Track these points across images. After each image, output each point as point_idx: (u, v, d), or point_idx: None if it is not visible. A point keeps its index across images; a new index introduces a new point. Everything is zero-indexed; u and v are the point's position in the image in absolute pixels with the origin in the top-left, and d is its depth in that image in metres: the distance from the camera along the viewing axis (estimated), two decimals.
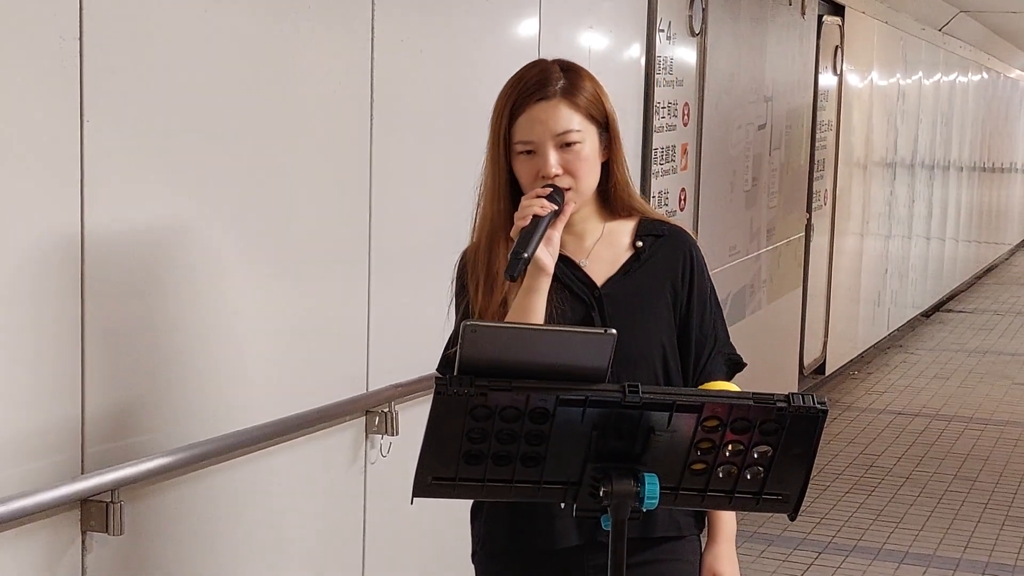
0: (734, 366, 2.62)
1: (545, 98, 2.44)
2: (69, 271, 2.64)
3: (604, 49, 5.18)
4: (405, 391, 3.76)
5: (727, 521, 2.62)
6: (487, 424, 1.93)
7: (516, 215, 2.37)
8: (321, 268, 3.46)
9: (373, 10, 3.58)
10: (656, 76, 5.67)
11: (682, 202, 6.17)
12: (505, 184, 2.48)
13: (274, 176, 3.24)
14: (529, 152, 2.44)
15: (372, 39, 3.59)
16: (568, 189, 2.43)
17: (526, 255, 2.29)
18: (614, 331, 1.96)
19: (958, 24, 13.14)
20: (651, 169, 5.68)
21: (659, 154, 5.79)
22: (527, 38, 4.50)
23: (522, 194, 2.44)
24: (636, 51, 5.53)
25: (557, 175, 2.42)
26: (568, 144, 2.43)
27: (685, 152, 6.17)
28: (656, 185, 5.77)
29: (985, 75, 16.18)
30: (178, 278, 2.94)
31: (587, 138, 2.46)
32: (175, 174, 2.91)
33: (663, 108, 5.80)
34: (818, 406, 1.96)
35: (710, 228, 6.59)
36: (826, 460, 7.50)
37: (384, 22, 3.61)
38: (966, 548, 6.18)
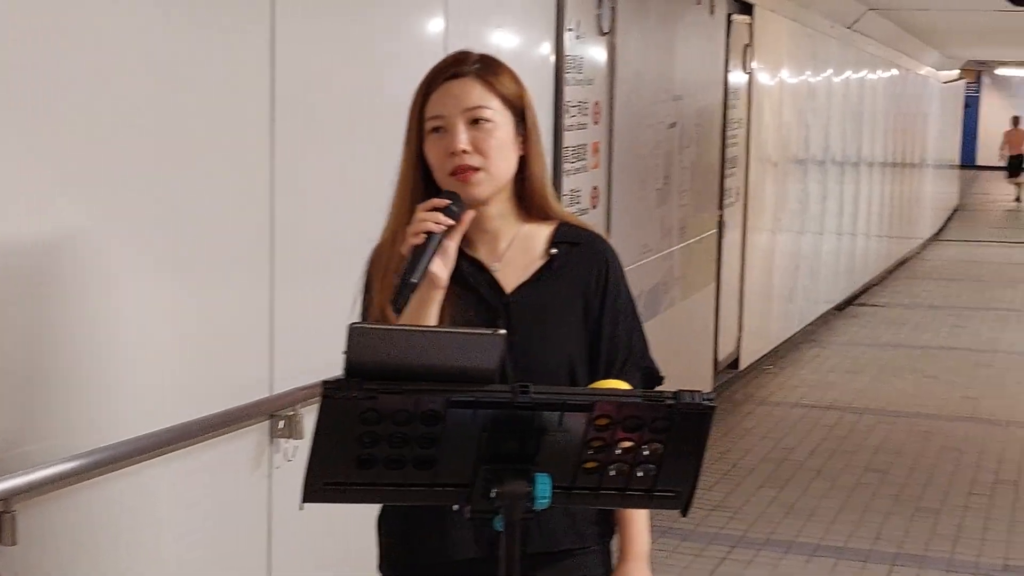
0: (651, 378, 2.57)
1: (459, 75, 2.41)
2: None
3: (513, 48, 5.18)
4: (310, 394, 3.72)
5: (639, 539, 2.55)
6: (378, 428, 1.92)
7: (409, 229, 2.32)
8: (222, 271, 3.42)
9: (273, 9, 3.55)
10: (566, 75, 5.68)
11: (594, 200, 6.19)
12: (415, 170, 2.42)
13: (172, 179, 3.20)
14: (440, 129, 2.39)
15: (273, 39, 3.55)
16: (478, 169, 2.38)
17: (413, 280, 2.25)
18: (503, 332, 1.95)
19: (867, 21, 13.30)
20: (562, 167, 5.70)
21: (570, 152, 5.80)
22: (433, 36, 4.48)
23: (434, 184, 2.40)
24: (545, 50, 5.54)
25: (465, 151, 2.37)
26: (478, 120, 2.39)
27: (596, 150, 6.19)
28: (568, 183, 5.78)
29: (895, 72, 16.39)
30: (71, 285, 2.89)
31: (500, 120, 2.41)
32: (67, 180, 2.87)
33: (573, 107, 5.82)
34: (705, 402, 1.96)
35: (622, 226, 6.61)
36: (739, 455, 7.56)
37: (285, 22, 3.58)
38: (876, 540, 6.26)
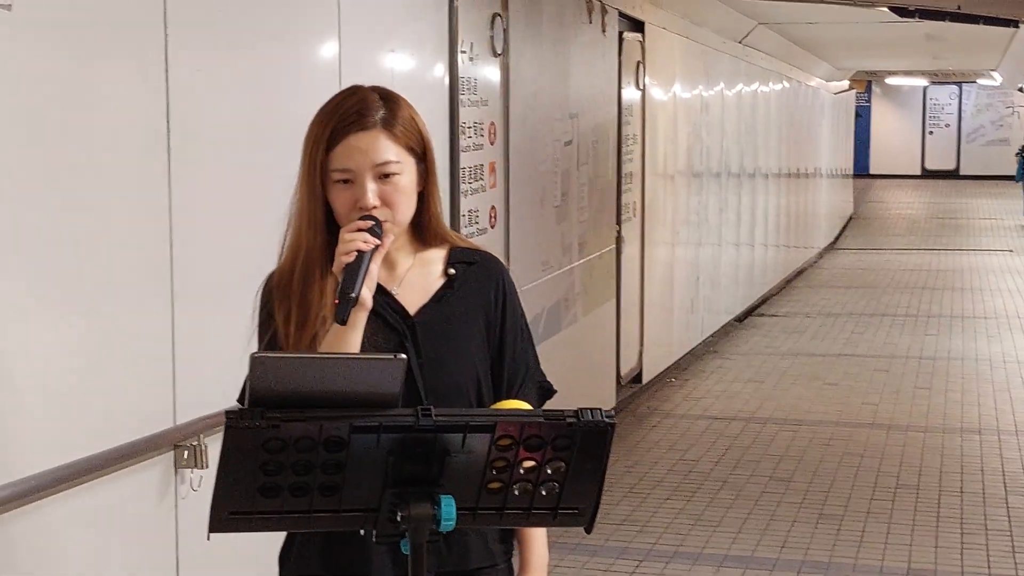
0: (545, 393, 2.63)
1: (364, 128, 2.42)
2: None
3: (407, 71, 5.20)
4: (215, 423, 3.71)
5: (536, 550, 2.60)
6: (282, 456, 1.93)
7: (339, 250, 2.35)
8: (121, 301, 3.40)
9: (166, 40, 3.54)
10: (460, 96, 5.72)
11: (492, 219, 6.23)
12: (320, 213, 2.44)
13: (65, 210, 3.18)
14: (346, 181, 2.42)
15: (166, 69, 3.55)
16: (386, 221, 2.41)
17: (353, 295, 2.28)
18: (403, 357, 1.97)
19: (758, 36, 13.51)
20: (460, 188, 5.73)
21: (467, 173, 5.84)
22: (328, 60, 4.49)
23: (336, 224, 2.42)
24: (439, 72, 5.57)
25: (375, 206, 2.40)
26: (386, 175, 2.42)
27: (493, 170, 6.23)
28: (465, 204, 5.81)
29: (786, 84, 16.65)
30: None
31: (405, 169, 2.45)
32: None
33: (469, 128, 5.85)
34: (606, 420, 2.00)
35: (522, 244, 6.66)
36: (645, 468, 7.63)
37: (178, 51, 3.58)
38: (783, 548, 6.34)
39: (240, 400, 2.47)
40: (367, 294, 2.35)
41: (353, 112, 2.43)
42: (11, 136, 2.98)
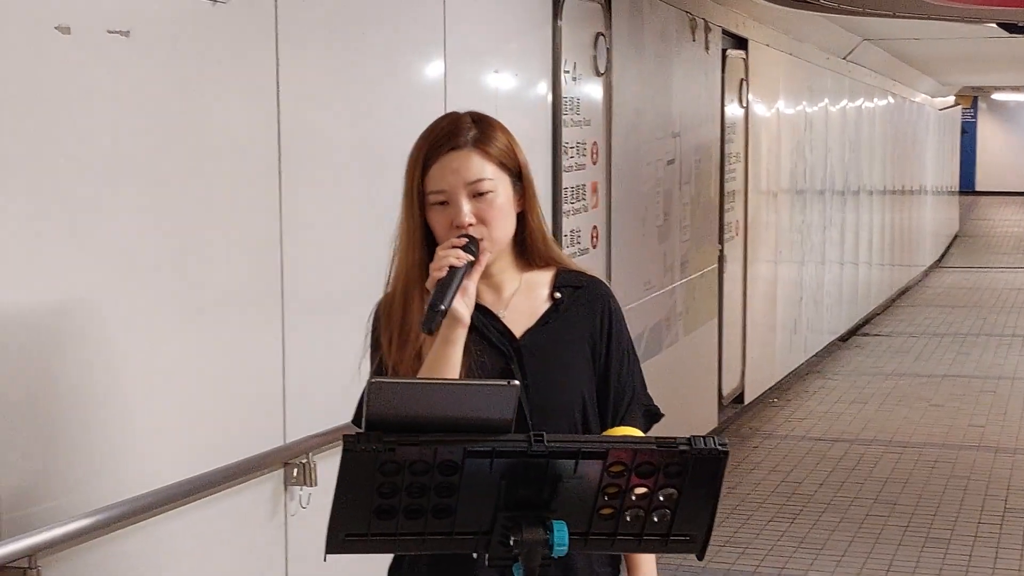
0: (651, 417, 2.63)
1: (456, 148, 2.46)
2: None
3: (510, 91, 5.24)
4: (323, 441, 3.76)
5: (645, 570, 2.62)
6: (397, 479, 1.95)
7: (432, 266, 2.38)
8: (233, 322, 3.46)
9: (277, 62, 3.60)
10: (563, 116, 5.74)
11: (594, 240, 6.24)
12: (419, 235, 2.49)
13: (181, 234, 3.25)
14: (443, 203, 2.46)
15: (277, 88, 3.61)
16: (481, 239, 2.44)
17: (443, 307, 2.31)
18: (517, 383, 1.99)
19: (862, 52, 13.38)
20: (562, 208, 5.75)
21: (569, 193, 5.85)
22: (433, 80, 4.54)
23: (437, 244, 2.45)
24: (542, 92, 5.59)
25: (471, 224, 2.43)
26: (480, 193, 2.45)
27: (595, 190, 6.24)
28: (567, 224, 5.83)
29: (891, 100, 16.47)
30: (85, 342, 2.93)
31: (500, 187, 2.48)
32: (76, 237, 2.91)
33: (571, 148, 5.87)
34: (719, 447, 2.00)
35: (624, 264, 6.66)
36: (748, 489, 7.58)
37: (289, 73, 3.64)
38: (888, 571, 6.27)
39: (354, 422, 2.51)
40: (463, 310, 2.38)
41: (445, 134, 2.48)
42: (129, 158, 3.05)
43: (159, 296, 3.18)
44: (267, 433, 3.62)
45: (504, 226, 2.50)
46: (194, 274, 3.30)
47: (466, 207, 2.44)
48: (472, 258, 2.39)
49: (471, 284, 2.40)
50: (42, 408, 2.83)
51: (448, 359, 2.40)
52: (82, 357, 2.93)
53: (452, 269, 2.36)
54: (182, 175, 3.25)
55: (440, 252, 2.39)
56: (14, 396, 2.74)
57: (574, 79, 5.88)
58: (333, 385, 3.65)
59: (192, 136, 3.28)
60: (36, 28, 2.77)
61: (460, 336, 2.40)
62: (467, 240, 2.41)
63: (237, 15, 3.42)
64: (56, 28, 2.81)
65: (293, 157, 3.66)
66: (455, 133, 2.48)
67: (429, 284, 2.37)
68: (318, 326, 3.80)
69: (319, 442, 3.74)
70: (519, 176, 2.53)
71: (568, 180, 5.81)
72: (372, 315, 2.58)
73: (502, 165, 2.49)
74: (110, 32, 2.97)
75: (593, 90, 6.17)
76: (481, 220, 2.45)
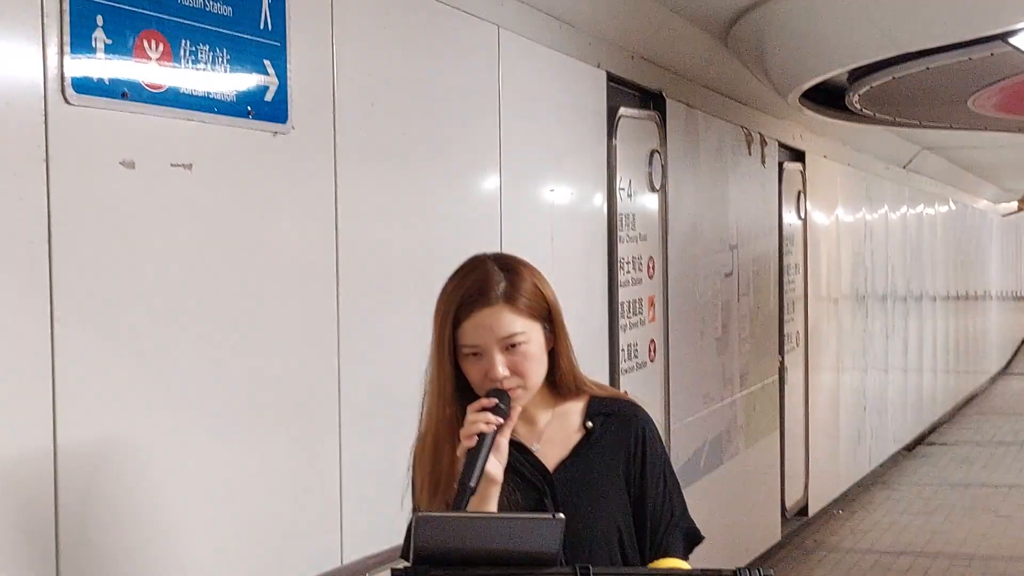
0: (692, 540, 2.61)
1: (488, 304, 2.48)
2: (42, 486, 2.68)
3: (565, 206, 5.30)
4: (380, 560, 3.78)
5: None
6: None
7: (462, 433, 2.41)
8: (290, 438, 3.49)
9: (336, 182, 3.67)
10: (619, 232, 5.79)
11: (652, 353, 6.26)
12: (451, 387, 2.51)
13: (242, 353, 3.30)
14: (476, 354, 2.49)
15: (336, 203, 3.67)
16: (517, 388, 2.48)
17: (472, 484, 2.32)
18: (562, 516, 2.02)
19: (922, 160, 13.40)
20: (619, 323, 5.78)
21: (626, 308, 5.89)
22: (489, 193, 4.60)
23: (470, 389, 2.49)
24: (598, 208, 5.65)
25: (505, 376, 2.47)
26: (513, 345, 2.49)
27: (652, 304, 6.28)
28: (624, 339, 5.86)
29: (952, 207, 16.44)
30: (151, 478, 2.97)
31: (532, 337, 2.51)
32: (145, 367, 2.96)
33: (627, 263, 5.92)
34: None
35: (682, 377, 6.67)
36: None
37: (347, 183, 3.70)
38: None
39: (403, 555, 2.54)
40: (496, 470, 2.40)
41: (475, 290, 2.50)
42: (192, 285, 3.12)
43: (219, 416, 3.22)
44: (325, 555, 3.64)
45: (537, 372, 2.53)
46: (254, 395, 3.35)
47: (500, 361, 2.47)
48: (502, 420, 2.42)
49: (504, 440, 2.43)
50: (111, 552, 2.86)
51: None
52: (152, 496, 2.97)
53: (481, 436, 2.38)
54: (244, 301, 3.31)
55: (470, 416, 2.42)
56: (84, 536, 2.78)
57: (629, 195, 5.94)
58: (389, 504, 3.67)
59: (253, 258, 3.34)
60: (103, 164, 2.86)
61: (494, 493, 2.42)
62: (497, 399, 2.44)
63: (298, 145, 3.50)
64: (121, 163, 2.90)
65: (351, 270, 3.71)
66: (485, 289, 2.49)
67: (460, 453, 2.40)
68: (375, 442, 3.83)
69: (376, 561, 3.76)
70: (549, 318, 2.56)
71: (624, 295, 5.85)
72: (411, 456, 2.61)
73: (532, 315, 2.52)
74: (173, 165, 3.06)
75: (649, 205, 6.23)
76: (515, 371, 2.48)
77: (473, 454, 2.36)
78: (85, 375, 2.80)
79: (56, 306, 2.72)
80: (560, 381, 2.60)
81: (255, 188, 3.37)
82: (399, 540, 3.49)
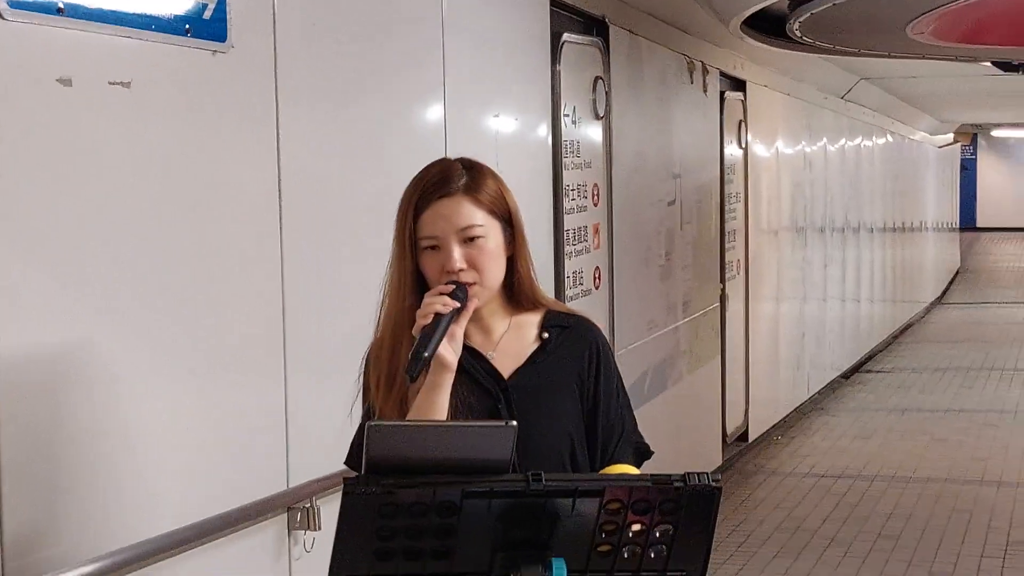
0: (641, 454, 2.65)
1: (448, 194, 2.50)
2: None
3: (510, 134, 5.29)
4: (326, 485, 3.78)
5: None
6: (396, 521, 1.98)
7: (418, 313, 2.42)
8: (236, 367, 3.49)
9: (277, 108, 3.64)
10: (564, 159, 5.79)
11: (597, 280, 6.27)
12: (411, 281, 2.53)
13: (184, 281, 3.28)
14: (434, 248, 2.50)
15: (277, 139, 3.65)
16: (473, 284, 2.48)
17: (426, 355, 2.34)
18: (515, 423, 2.03)
19: (860, 91, 13.46)
20: (564, 250, 5.79)
21: (571, 235, 5.89)
22: (433, 124, 4.58)
23: (427, 290, 2.49)
24: (543, 136, 5.64)
25: (461, 269, 2.48)
26: (471, 239, 2.50)
27: (597, 231, 6.29)
28: (570, 265, 5.87)
29: (890, 138, 16.55)
30: (87, 389, 2.96)
31: (490, 233, 2.52)
32: (82, 285, 2.94)
33: (572, 190, 5.92)
34: (712, 484, 2.03)
35: (627, 304, 6.70)
36: (752, 526, 7.58)
37: (288, 119, 3.67)
38: None
39: (347, 463, 2.55)
40: (450, 356, 2.42)
41: (436, 180, 2.52)
42: (131, 208, 3.09)
43: (164, 344, 3.21)
44: (270, 478, 3.64)
45: (494, 271, 2.53)
46: (198, 321, 3.34)
47: (457, 253, 2.48)
48: (459, 304, 2.43)
49: (459, 329, 2.44)
50: (47, 454, 2.86)
51: (435, 404, 2.43)
52: (86, 405, 2.97)
53: (438, 316, 2.39)
54: (184, 228, 3.28)
55: (427, 299, 2.43)
56: (19, 442, 2.77)
57: (574, 122, 5.93)
58: (335, 429, 3.66)
59: (193, 185, 3.32)
60: (39, 81, 2.82)
61: (447, 381, 2.44)
62: (455, 287, 2.45)
63: (237, 66, 3.47)
64: (58, 80, 2.86)
65: (294, 205, 3.70)
66: (446, 180, 2.52)
67: (415, 331, 2.40)
68: (320, 372, 3.83)
69: (322, 486, 3.77)
70: (509, 222, 2.57)
71: (570, 222, 5.86)
72: (363, 359, 2.61)
73: (492, 211, 2.53)
74: (111, 83, 3.02)
75: (593, 133, 6.23)
76: (472, 265, 2.49)
77: (428, 330, 2.37)
78: (21, 289, 2.78)
79: None
80: (518, 290, 2.61)
81: (195, 110, 3.33)
82: (341, 467, 3.51)
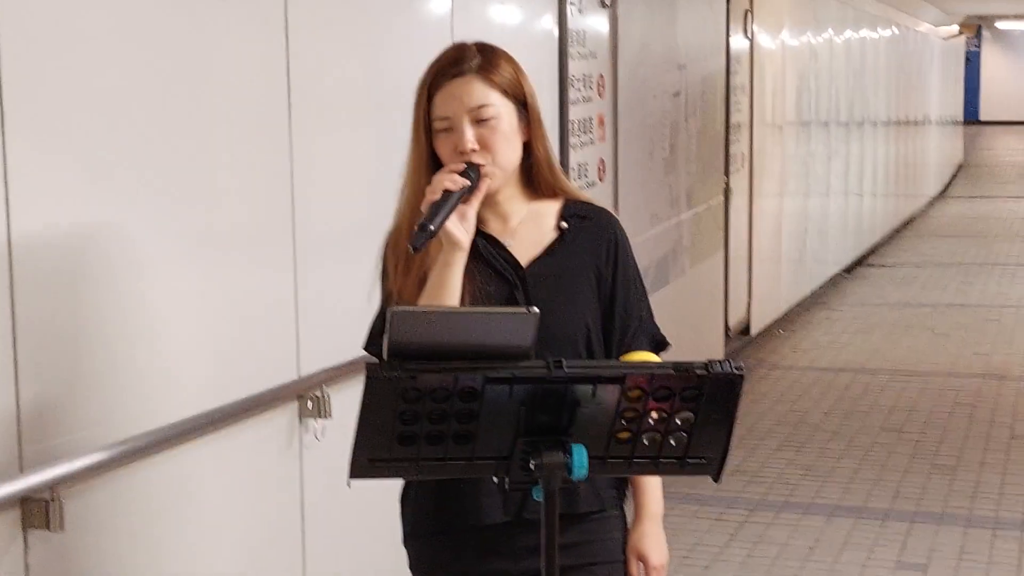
0: (658, 345, 2.65)
1: (460, 74, 2.49)
2: None
3: (516, 24, 5.23)
4: (336, 374, 3.80)
5: (653, 500, 2.66)
6: (418, 406, 1.99)
7: (427, 189, 2.42)
8: (246, 256, 3.49)
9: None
10: (569, 49, 5.72)
11: (601, 172, 6.24)
12: (426, 163, 2.52)
13: (194, 169, 3.27)
14: (447, 129, 2.49)
15: (286, 26, 3.61)
16: (487, 164, 2.47)
17: (431, 227, 2.33)
18: (536, 310, 2.02)
19: None
20: (569, 142, 5.75)
21: (576, 126, 5.85)
22: (440, 16, 4.53)
23: None
24: (548, 25, 5.58)
25: (473, 150, 2.46)
26: (484, 119, 2.48)
27: (602, 123, 6.24)
28: (575, 157, 5.83)
29: (895, 30, 16.39)
30: (103, 275, 2.96)
31: (503, 113, 2.50)
32: (95, 172, 2.94)
33: (578, 81, 5.86)
34: (735, 371, 2.03)
35: (631, 197, 6.67)
36: (754, 419, 7.63)
37: (297, 8, 3.64)
38: (895, 498, 6.34)
39: (366, 348, 2.55)
40: (460, 234, 2.41)
41: (450, 61, 2.51)
42: (141, 93, 3.07)
43: (173, 229, 3.20)
44: (281, 366, 3.65)
45: (507, 152, 2.52)
46: (208, 210, 3.33)
47: (469, 132, 2.47)
48: (469, 183, 2.41)
49: (470, 209, 2.43)
50: (62, 340, 2.86)
51: (447, 283, 2.43)
52: (99, 296, 2.96)
53: (447, 192, 2.38)
54: (194, 116, 3.26)
55: (437, 176, 2.42)
56: (41, 328, 2.77)
57: (579, 11, 5.86)
58: (345, 318, 3.68)
59: (202, 77, 3.29)
60: None
61: (459, 260, 2.43)
62: (466, 166, 2.43)
63: None
64: None
65: (302, 95, 3.67)
66: (459, 60, 2.51)
67: (423, 206, 2.40)
68: (330, 260, 3.83)
69: (332, 375, 3.78)
70: (524, 105, 2.55)
71: (575, 113, 5.81)
72: (383, 245, 2.61)
73: (506, 93, 2.51)
74: None
75: (599, 23, 6.15)
76: (484, 146, 2.48)
77: (436, 205, 2.36)
78: (37, 174, 2.76)
79: (6, 109, 2.67)
80: (536, 176, 2.59)
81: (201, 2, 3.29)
82: (356, 354, 3.51)
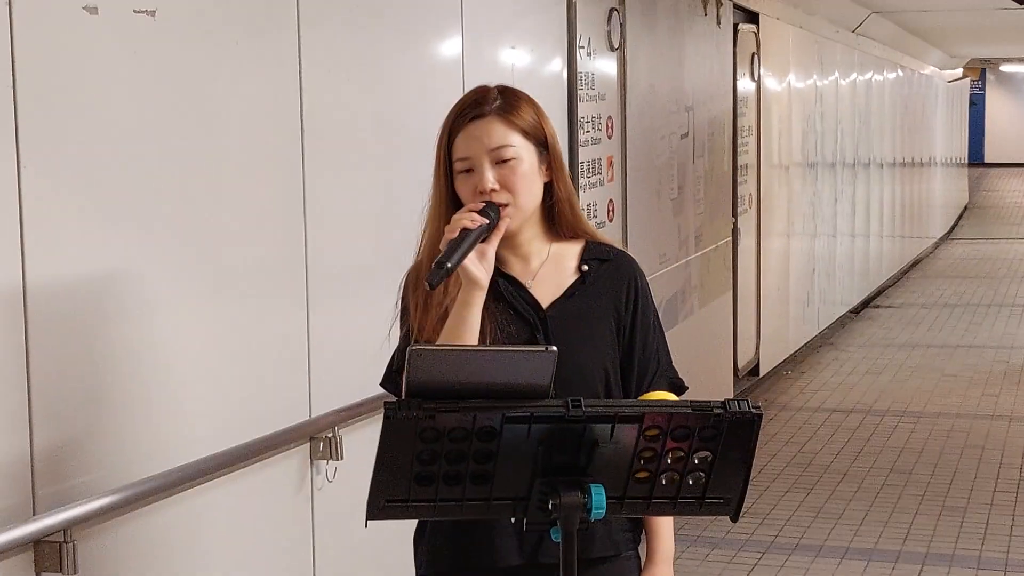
0: (676, 389, 2.65)
1: (481, 116, 2.51)
2: (12, 316, 2.67)
3: (526, 66, 5.26)
4: (348, 415, 3.80)
5: (664, 541, 2.65)
6: (436, 445, 1.99)
7: (446, 228, 2.42)
8: (258, 297, 3.49)
9: (299, 39, 3.63)
10: (579, 91, 5.75)
11: (610, 213, 6.26)
12: (447, 204, 2.53)
13: (206, 210, 3.27)
14: (468, 171, 2.50)
15: (299, 67, 3.63)
16: (506, 205, 2.48)
17: (448, 264, 2.33)
18: (555, 348, 2.02)
19: (871, 24, 13.36)
20: (578, 182, 5.77)
21: (586, 167, 5.87)
22: (451, 57, 4.56)
23: None
24: (558, 68, 5.61)
25: (494, 190, 2.47)
26: (504, 160, 2.49)
27: (611, 164, 6.26)
28: (584, 198, 5.85)
29: (900, 73, 16.45)
30: (116, 317, 2.96)
31: (524, 155, 2.51)
32: (110, 213, 2.94)
33: (587, 122, 5.89)
34: (753, 410, 2.03)
35: (639, 237, 6.68)
36: (764, 460, 7.61)
37: (310, 50, 3.66)
38: (905, 540, 6.30)
39: (383, 385, 2.55)
40: (478, 272, 2.41)
41: (470, 103, 2.53)
42: (156, 135, 3.08)
43: (186, 272, 3.20)
44: (293, 408, 3.65)
45: (528, 193, 2.52)
46: (221, 250, 3.33)
47: (489, 173, 2.48)
48: (488, 221, 2.42)
49: (489, 248, 2.44)
50: (75, 383, 2.86)
51: (466, 321, 2.43)
52: (115, 334, 2.97)
53: (465, 230, 2.38)
54: (209, 156, 3.27)
55: (456, 215, 2.43)
56: (49, 372, 2.77)
57: (589, 54, 5.89)
58: (356, 360, 3.68)
59: (217, 116, 3.31)
60: (66, 10, 2.80)
61: (478, 299, 2.43)
62: (486, 205, 2.44)
63: None
64: (84, 8, 2.84)
65: (315, 133, 3.68)
66: (480, 102, 2.53)
67: (441, 244, 2.40)
68: (342, 300, 3.84)
69: (344, 416, 3.78)
70: (545, 146, 2.56)
71: (584, 154, 5.83)
72: (402, 282, 2.61)
73: (527, 134, 2.53)
74: (136, 12, 2.99)
75: (607, 65, 6.18)
76: (504, 187, 2.49)
77: (454, 243, 2.36)
78: (52, 219, 2.77)
79: (22, 152, 2.68)
80: (557, 217, 2.60)
81: (219, 37, 3.31)
82: (368, 395, 3.51)
